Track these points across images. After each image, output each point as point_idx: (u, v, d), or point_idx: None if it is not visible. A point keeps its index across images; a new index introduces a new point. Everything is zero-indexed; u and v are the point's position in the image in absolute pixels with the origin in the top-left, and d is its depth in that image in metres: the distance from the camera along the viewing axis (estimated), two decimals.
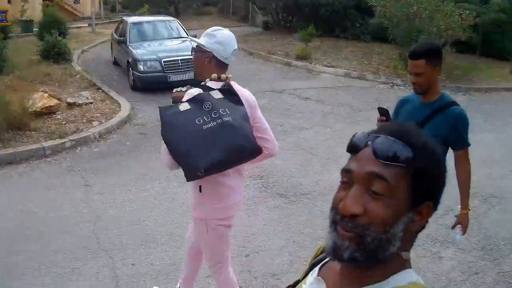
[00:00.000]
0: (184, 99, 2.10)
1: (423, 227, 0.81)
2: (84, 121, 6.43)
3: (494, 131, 6.60)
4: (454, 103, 2.36)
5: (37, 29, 13.10)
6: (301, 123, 6.87)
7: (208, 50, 2.17)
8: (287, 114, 7.30)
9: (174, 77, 7.80)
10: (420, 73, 2.27)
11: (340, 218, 0.78)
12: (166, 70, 7.81)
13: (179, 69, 7.90)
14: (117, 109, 7.02)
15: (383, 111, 2.40)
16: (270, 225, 4.01)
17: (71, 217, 4.10)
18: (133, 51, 8.24)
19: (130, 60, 8.18)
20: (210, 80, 2.19)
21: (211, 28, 2.25)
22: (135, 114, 6.95)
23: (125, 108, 6.97)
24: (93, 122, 6.34)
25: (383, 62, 10.55)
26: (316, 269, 0.93)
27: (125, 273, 3.30)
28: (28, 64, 9.48)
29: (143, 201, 4.40)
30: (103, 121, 6.43)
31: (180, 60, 7.90)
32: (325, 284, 0.86)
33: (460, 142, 2.36)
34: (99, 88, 8.05)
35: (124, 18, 10.60)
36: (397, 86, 9.24)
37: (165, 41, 8.96)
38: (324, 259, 0.93)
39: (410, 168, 0.76)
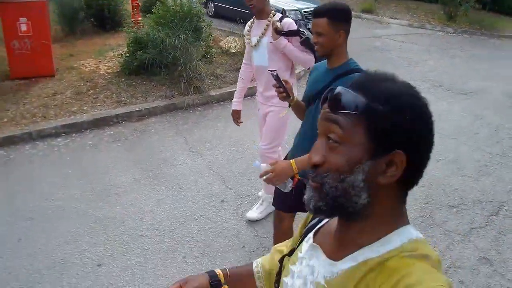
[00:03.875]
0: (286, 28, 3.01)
1: (400, 180, 0.76)
2: None
3: None
4: (357, 70, 2.16)
5: None
6: (420, 58, 8.98)
7: None
8: (403, 51, 9.36)
9: (310, 25, 9.28)
10: (321, 32, 2.15)
11: (309, 168, 0.81)
12: (305, 19, 9.24)
13: None
14: None
15: (272, 73, 2.20)
16: None
17: None
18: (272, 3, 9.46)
19: None
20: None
21: None
22: None
23: None
24: None
25: (428, 15, 12.82)
26: (311, 235, 0.93)
27: None
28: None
29: None
30: None
31: None
32: (320, 249, 0.86)
33: None
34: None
35: None
36: (449, 33, 11.63)
37: None
38: (318, 225, 0.95)
39: (364, 115, 0.74)
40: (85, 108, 5.60)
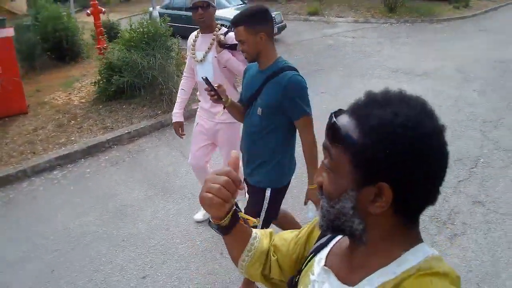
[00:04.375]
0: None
1: (399, 208, 0.75)
2: None
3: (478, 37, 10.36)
4: (286, 68, 2.18)
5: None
6: (373, 49, 9.65)
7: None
8: (356, 45, 10.00)
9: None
10: (242, 40, 2.18)
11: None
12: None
13: None
14: None
15: (202, 77, 2.29)
16: None
17: None
18: (226, 16, 9.78)
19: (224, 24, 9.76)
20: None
21: None
22: None
23: None
24: None
25: (370, 10, 13.63)
26: (323, 256, 0.92)
27: None
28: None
29: None
30: None
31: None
32: (333, 273, 0.85)
33: (296, 111, 2.17)
34: None
35: None
36: (393, 24, 12.48)
37: (236, 5, 10.62)
38: (328, 243, 0.94)
39: (347, 146, 0.75)
40: (72, 138, 5.61)
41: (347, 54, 9.31)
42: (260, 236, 1.09)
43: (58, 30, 8.82)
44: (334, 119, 0.78)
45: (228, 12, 10.18)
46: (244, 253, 1.06)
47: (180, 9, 11.13)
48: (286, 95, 2.12)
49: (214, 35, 3.03)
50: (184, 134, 3.47)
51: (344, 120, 0.77)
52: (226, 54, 2.95)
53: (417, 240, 0.79)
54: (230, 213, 0.95)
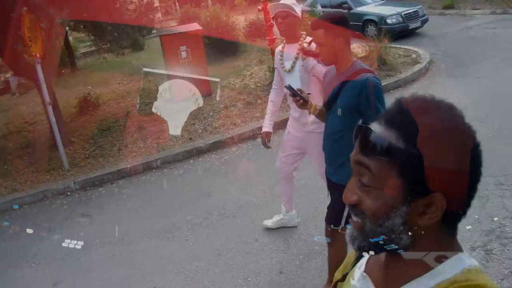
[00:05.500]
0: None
1: (444, 217, 0.72)
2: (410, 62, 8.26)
3: None
4: (363, 70, 2.26)
5: None
6: None
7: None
8: (500, 36, 9.91)
9: (412, 25, 10.06)
10: (320, 43, 2.28)
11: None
12: (406, 20, 10.07)
13: (413, 18, 10.18)
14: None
15: (285, 86, 2.46)
16: None
17: None
18: (373, 11, 10.35)
19: (371, 18, 10.33)
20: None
21: None
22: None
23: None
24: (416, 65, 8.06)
25: (505, 0, 13.24)
26: (364, 262, 0.90)
27: None
28: None
29: None
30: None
31: (412, 12, 10.20)
32: (370, 280, 0.84)
33: (372, 111, 2.16)
34: None
35: None
36: None
37: (377, 2, 11.14)
38: None
39: (397, 159, 0.70)
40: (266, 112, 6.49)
41: (493, 45, 9.26)
42: None
43: (221, 27, 10.01)
44: (370, 130, 0.74)
45: (370, 8, 10.68)
46: None
47: (325, 6, 11.86)
48: (363, 96, 2.19)
49: (299, 44, 3.06)
50: (270, 147, 3.54)
51: (379, 131, 0.73)
52: (311, 61, 2.95)
53: (456, 250, 0.77)
54: None
